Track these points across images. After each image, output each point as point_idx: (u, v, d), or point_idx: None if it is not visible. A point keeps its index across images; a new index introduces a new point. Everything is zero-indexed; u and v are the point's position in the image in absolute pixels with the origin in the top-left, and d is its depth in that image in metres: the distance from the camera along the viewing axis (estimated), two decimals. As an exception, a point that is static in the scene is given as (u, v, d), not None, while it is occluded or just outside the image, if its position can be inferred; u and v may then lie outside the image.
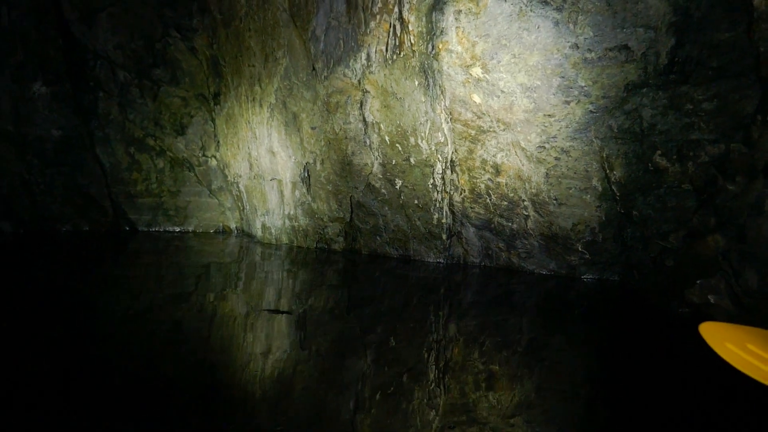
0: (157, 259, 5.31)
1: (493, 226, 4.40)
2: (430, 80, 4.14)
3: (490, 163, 4.18)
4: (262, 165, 5.98)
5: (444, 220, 4.64)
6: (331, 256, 5.29)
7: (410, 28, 4.10)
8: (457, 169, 4.37)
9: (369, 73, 4.49)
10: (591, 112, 3.67)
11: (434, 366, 2.43)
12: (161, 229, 7.02)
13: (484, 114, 4.03)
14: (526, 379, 2.29)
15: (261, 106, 5.69)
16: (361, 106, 4.69)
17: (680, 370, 2.38)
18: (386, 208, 4.94)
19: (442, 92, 4.13)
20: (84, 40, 6.39)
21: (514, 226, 4.28)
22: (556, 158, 3.89)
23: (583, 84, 3.62)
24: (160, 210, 7.02)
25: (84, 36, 6.38)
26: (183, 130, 6.85)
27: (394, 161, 4.67)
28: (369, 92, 4.59)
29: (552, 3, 3.54)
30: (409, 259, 4.97)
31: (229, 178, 6.84)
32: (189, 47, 6.50)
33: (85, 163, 6.59)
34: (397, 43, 4.23)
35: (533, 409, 1.98)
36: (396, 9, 4.15)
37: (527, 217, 4.19)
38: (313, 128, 5.18)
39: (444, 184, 4.50)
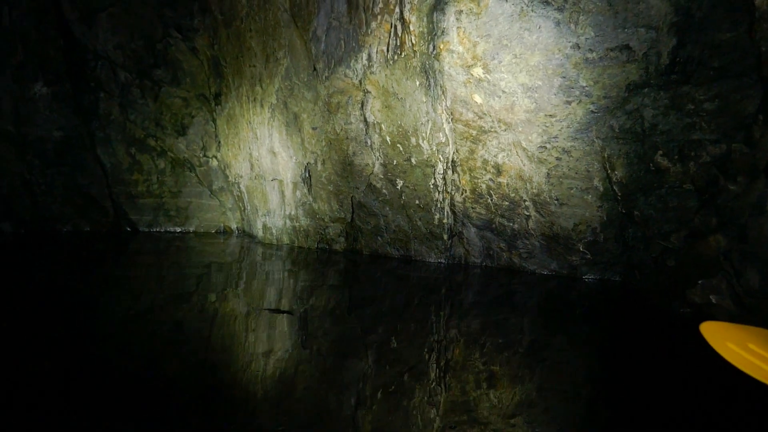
0: (158, 259, 5.31)
1: (494, 226, 4.40)
2: (432, 80, 4.14)
3: (492, 163, 4.18)
4: (263, 165, 5.98)
5: (445, 221, 4.64)
6: (332, 256, 5.29)
7: (411, 29, 4.10)
8: (459, 169, 4.37)
9: (370, 73, 4.49)
10: (592, 112, 3.67)
11: (435, 366, 2.43)
12: (162, 230, 7.02)
13: (485, 114, 4.03)
14: (527, 379, 2.29)
15: (262, 106, 5.70)
16: (362, 106, 4.69)
17: (681, 369, 2.38)
18: (387, 209, 4.94)
19: (443, 92, 4.12)
20: (84, 40, 6.40)
21: (516, 226, 4.28)
22: (558, 158, 3.89)
23: (584, 84, 3.62)
24: (161, 210, 7.02)
25: (84, 36, 6.39)
26: (184, 130, 6.85)
27: (395, 161, 4.67)
28: (370, 92, 4.59)
29: (553, 3, 3.53)
30: (410, 259, 4.97)
31: (230, 178, 6.84)
32: (190, 47, 6.50)
33: (85, 164, 6.60)
34: (399, 44, 4.23)
35: (534, 409, 1.97)
36: (397, 9, 4.15)
37: (528, 217, 4.19)
38: (314, 128, 5.18)
39: (445, 184, 4.50)
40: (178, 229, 7.09)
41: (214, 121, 6.82)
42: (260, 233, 6.38)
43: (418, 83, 4.24)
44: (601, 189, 3.83)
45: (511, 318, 3.23)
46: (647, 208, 3.59)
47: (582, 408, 2.05)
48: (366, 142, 4.80)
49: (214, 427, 1.79)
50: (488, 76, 3.86)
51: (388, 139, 4.63)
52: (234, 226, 7.22)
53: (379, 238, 5.14)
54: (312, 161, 5.34)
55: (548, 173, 3.96)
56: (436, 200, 4.59)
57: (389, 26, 4.25)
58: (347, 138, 4.91)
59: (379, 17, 4.29)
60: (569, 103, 3.70)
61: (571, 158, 3.85)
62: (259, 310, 3.33)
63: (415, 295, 3.76)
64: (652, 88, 3.44)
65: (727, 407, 2.01)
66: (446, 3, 3.84)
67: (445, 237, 4.71)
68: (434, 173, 4.49)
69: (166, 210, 7.04)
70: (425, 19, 4.01)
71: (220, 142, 6.83)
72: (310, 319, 3.20)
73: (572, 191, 3.93)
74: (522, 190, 4.13)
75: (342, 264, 4.97)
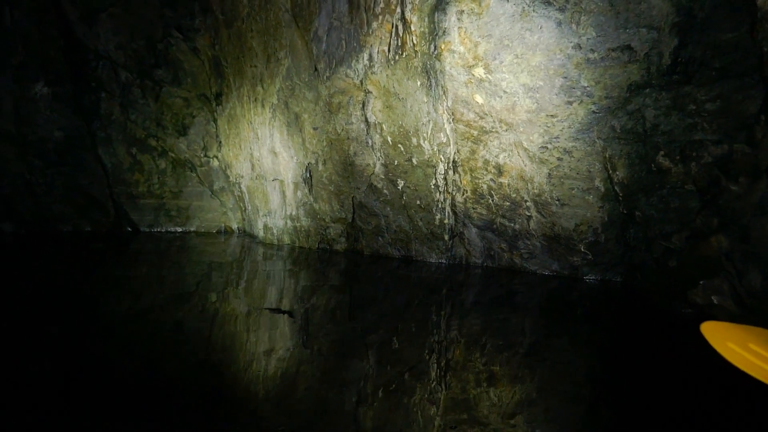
0: (159, 259, 5.31)
1: (495, 226, 4.39)
2: (433, 81, 4.14)
3: (493, 163, 4.18)
4: (264, 165, 5.98)
5: (446, 221, 4.64)
6: (333, 256, 5.29)
7: (412, 29, 4.09)
8: (460, 169, 4.37)
9: (371, 73, 4.48)
10: (594, 112, 3.67)
11: (436, 366, 2.43)
12: (163, 230, 7.03)
13: (486, 114, 4.02)
14: (528, 379, 2.28)
15: (263, 106, 5.70)
16: (363, 106, 4.69)
17: (682, 370, 2.38)
18: (388, 209, 4.93)
19: (444, 93, 4.12)
20: (85, 40, 6.41)
21: (517, 226, 4.27)
22: (559, 159, 3.88)
23: (585, 84, 3.61)
24: (161, 210, 7.03)
25: (85, 36, 6.40)
26: (185, 130, 6.86)
27: (396, 162, 4.67)
28: (371, 93, 4.59)
29: (555, 3, 3.53)
30: (411, 259, 4.97)
31: (231, 178, 6.84)
32: (191, 47, 6.51)
33: (86, 164, 6.61)
34: (400, 44, 4.23)
35: (535, 409, 1.97)
36: (398, 9, 4.15)
37: (529, 217, 4.18)
38: (315, 129, 5.18)
39: (446, 184, 4.49)
40: (179, 230, 7.09)
41: (215, 121, 6.83)
42: (261, 233, 6.38)
43: (419, 83, 4.24)
44: (603, 189, 3.83)
45: (512, 318, 3.23)
46: (649, 209, 3.59)
47: (583, 408, 2.05)
48: (367, 143, 4.80)
49: (216, 427, 1.79)
50: (489, 77, 3.86)
51: (389, 139, 4.63)
52: (235, 226, 7.22)
53: (380, 238, 5.14)
54: (313, 161, 5.34)
55: (549, 173, 3.96)
56: (437, 200, 4.59)
57: (390, 26, 4.25)
58: (348, 138, 4.91)
59: (380, 17, 4.29)
60: (570, 103, 3.70)
61: (572, 158, 3.85)
62: (259, 310, 3.32)
63: (416, 296, 3.76)
64: (653, 89, 3.43)
65: (727, 407, 2.01)
66: (447, 3, 3.84)
67: (446, 237, 4.70)
68: (435, 173, 4.49)
69: (167, 210, 7.04)
70: (426, 19, 4.00)
71: (221, 142, 6.83)
72: (311, 320, 3.20)
73: (573, 191, 3.92)
74: (523, 190, 4.12)
75: (343, 264, 4.97)
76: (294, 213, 5.77)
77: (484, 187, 4.30)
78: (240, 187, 6.63)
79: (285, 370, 2.35)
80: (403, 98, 4.39)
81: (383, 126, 4.62)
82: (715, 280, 3.00)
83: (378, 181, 4.87)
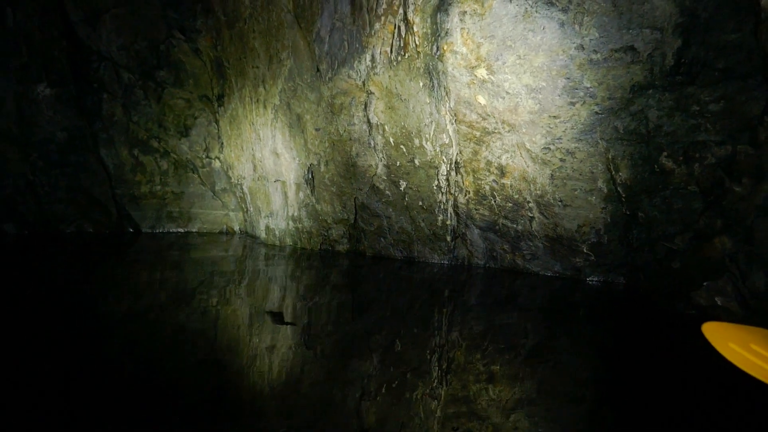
0: (160, 260, 5.31)
1: (497, 227, 4.39)
2: (435, 81, 4.14)
3: (495, 164, 4.17)
4: (266, 166, 5.98)
5: (448, 222, 4.63)
6: (335, 257, 5.29)
7: (415, 30, 4.09)
8: (462, 170, 4.37)
9: (373, 74, 4.48)
10: (596, 113, 3.66)
11: (439, 368, 2.43)
12: (165, 231, 7.03)
13: (489, 115, 4.02)
14: (530, 380, 2.28)
15: (265, 107, 5.70)
16: (366, 107, 4.69)
17: (684, 371, 2.37)
18: (390, 210, 4.93)
19: (446, 93, 4.12)
20: (88, 41, 6.42)
21: (519, 227, 4.27)
22: (562, 160, 3.88)
23: (588, 85, 3.61)
24: (163, 211, 7.03)
25: (88, 37, 6.41)
26: (187, 131, 6.86)
27: (398, 163, 4.66)
28: (373, 93, 4.59)
29: (557, 4, 3.53)
30: (413, 260, 4.96)
31: (232, 179, 6.85)
32: (193, 49, 6.51)
33: (89, 165, 6.61)
34: (402, 45, 4.23)
35: (538, 410, 1.97)
36: (401, 10, 4.15)
37: (532, 218, 4.18)
38: (317, 130, 5.18)
39: (448, 185, 4.49)
40: (181, 230, 7.10)
41: (216, 122, 6.83)
42: (263, 234, 6.38)
43: (421, 84, 4.24)
44: (605, 190, 3.82)
45: (515, 320, 3.23)
46: (652, 210, 3.58)
47: (585, 409, 2.05)
48: (369, 144, 4.80)
49: (218, 427, 1.78)
50: (492, 77, 3.86)
51: (391, 140, 4.62)
52: (237, 227, 7.22)
53: (382, 239, 5.14)
54: (315, 162, 5.34)
55: (552, 174, 3.95)
56: (440, 201, 4.58)
57: (393, 27, 4.25)
58: (350, 139, 4.91)
59: (382, 18, 4.29)
60: (573, 104, 3.70)
61: (575, 159, 3.84)
62: (262, 315, 3.32)
63: (419, 297, 3.76)
64: (656, 90, 3.43)
65: (728, 407, 2.01)
66: (450, 4, 3.84)
67: (449, 238, 4.70)
68: (437, 174, 4.49)
69: (169, 211, 7.05)
70: (429, 20, 4.00)
71: (222, 143, 6.83)
72: (314, 321, 3.20)
73: (576, 192, 3.92)
74: (526, 191, 4.12)
75: (345, 265, 4.97)
76: (296, 214, 5.77)
77: (487, 188, 4.29)
78: (242, 188, 6.64)
79: (287, 370, 2.35)
80: (405, 99, 4.38)
81: (385, 127, 4.62)
82: (718, 281, 2.99)
83: (380, 182, 4.87)
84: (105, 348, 2.63)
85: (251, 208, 6.59)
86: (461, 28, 3.84)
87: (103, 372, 2.28)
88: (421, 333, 2.94)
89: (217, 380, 2.23)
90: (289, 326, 2.99)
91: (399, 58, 4.28)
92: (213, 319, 3.17)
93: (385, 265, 4.85)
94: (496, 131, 4.06)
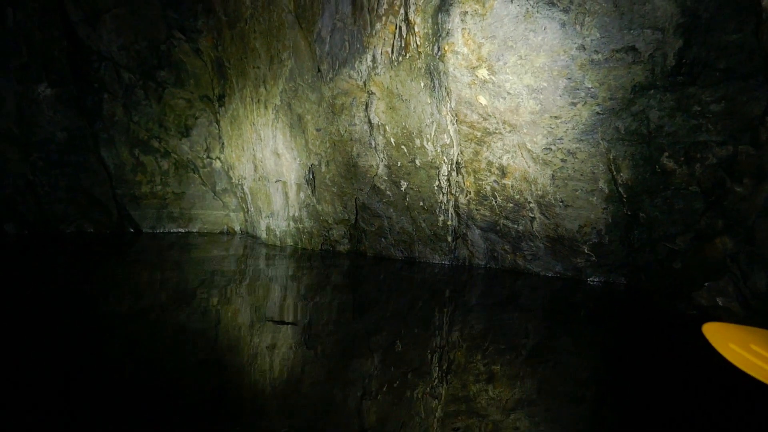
0: (161, 260, 5.31)
1: (498, 228, 4.39)
2: (436, 82, 4.14)
3: (496, 164, 4.17)
4: (266, 167, 5.98)
5: (449, 222, 4.63)
6: (335, 258, 5.29)
7: (416, 30, 4.09)
8: (463, 171, 4.36)
9: (374, 74, 4.48)
10: (598, 113, 3.66)
11: (440, 368, 2.42)
12: (165, 231, 7.03)
13: (490, 116, 4.02)
14: (531, 380, 2.28)
15: (266, 107, 5.70)
16: (367, 107, 4.69)
17: (685, 371, 2.37)
18: (391, 210, 4.93)
19: (447, 94, 4.12)
20: (88, 41, 6.42)
21: (520, 228, 4.27)
22: (563, 160, 3.88)
23: (589, 85, 3.61)
24: (164, 211, 7.03)
25: (88, 37, 6.40)
26: (187, 131, 6.86)
27: (399, 163, 4.66)
28: (374, 94, 4.59)
29: (558, 4, 3.53)
30: (414, 261, 4.96)
31: (233, 179, 6.85)
32: (194, 49, 6.51)
33: (89, 165, 6.61)
34: (403, 45, 4.23)
35: (538, 410, 1.96)
36: (402, 10, 4.15)
37: (533, 219, 4.17)
38: (318, 130, 5.18)
39: (449, 186, 4.49)
40: (182, 231, 7.10)
41: (217, 122, 6.83)
42: (264, 235, 6.38)
43: (422, 84, 4.24)
44: (607, 191, 3.82)
45: (516, 320, 3.22)
46: (653, 210, 3.58)
47: (585, 409, 2.05)
48: (370, 144, 4.80)
49: (219, 428, 1.78)
50: (493, 78, 3.86)
51: (392, 140, 4.62)
52: (237, 227, 7.22)
53: (383, 239, 5.13)
54: (316, 163, 5.34)
55: (553, 175, 3.95)
56: (441, 202, 4.58)
57: (394, 27, 4.25)
58: (351, 139, 4.91)
59: (383, 18, 4.29)
60: (574, 104, 3.70)
61: (576, 160, 3.84)
62: (264, 317, 3.32)
63: (419, 297, 3.76)
64: (658, 90, 3.42)
65: (729, 408, 2.01)
66: (451, 4, 3.84)
67: (449, 239, 4.70)
68: (438, 175, 4.49)
69: (170, 211, 7.05)
70: (430, 20, 4.00)
71: (223, 143, 6.83)
72: (314, 321, 3.20)
73: (577, 193, 3.92)
74: (527, 191, 4.12)
75: (346, 266, 4.97)
76: (297, 214, 5.77)
77: (488, 188, 4.29)
78: (243, 189, 6.64)
79: (288, 370, 2.35)
80: (406, 99, 4.38)
81: (386, 127, 4.62)
82: (719, 281, 2.99)
83: (381, 182, 4.87)
84: (106, 348, 2.63)
85: (252, 209, 6.59)
86: (462, 29, 3.84)
87: (103, 372, 2.28)
88: (422, 333, 2.94)
89: (217, 380, 2.23)
90: (289, 326, 2.98)
91: (400, 59, 4.28)
92: (213, 319, 3.17)
93: (385, 266, 4.85)
94: (497, 131, 4.06)
